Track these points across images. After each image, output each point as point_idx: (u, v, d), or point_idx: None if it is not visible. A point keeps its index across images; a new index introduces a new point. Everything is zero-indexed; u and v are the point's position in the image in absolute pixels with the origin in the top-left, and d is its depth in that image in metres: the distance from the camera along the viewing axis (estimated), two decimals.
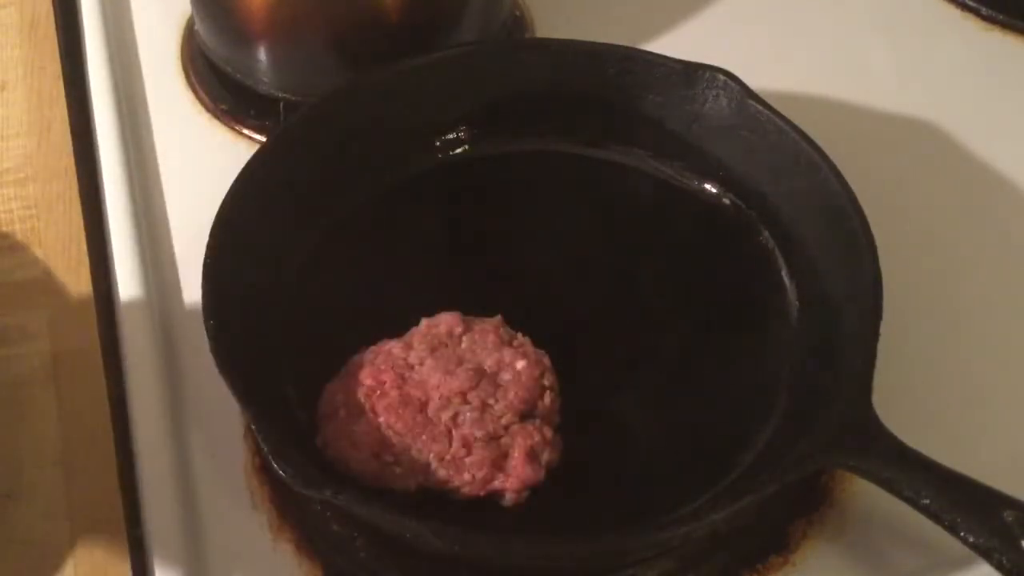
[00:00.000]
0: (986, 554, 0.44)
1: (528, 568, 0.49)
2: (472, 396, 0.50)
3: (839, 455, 0.47)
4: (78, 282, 0.60)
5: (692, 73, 0.62)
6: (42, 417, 0.55)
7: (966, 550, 0.45)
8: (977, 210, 0.65)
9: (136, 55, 0.73)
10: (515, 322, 0.54)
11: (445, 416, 0.50)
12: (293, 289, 0.57)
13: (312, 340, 0.56)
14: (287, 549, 0.51)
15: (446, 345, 0.53)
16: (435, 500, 0.50)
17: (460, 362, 0.52)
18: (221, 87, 0.70)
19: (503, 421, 0.50)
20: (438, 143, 0.63)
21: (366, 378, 0.51)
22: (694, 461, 0.52)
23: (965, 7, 0.77)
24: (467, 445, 0.49)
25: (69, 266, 0.61)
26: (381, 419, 0.50)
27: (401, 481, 0.50)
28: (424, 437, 0.50)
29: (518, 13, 0.75)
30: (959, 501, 0.45)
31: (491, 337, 0.53)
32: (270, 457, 0.50)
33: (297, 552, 0.51)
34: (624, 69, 0.63)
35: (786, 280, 0.59)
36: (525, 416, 0.51)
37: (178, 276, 0.61)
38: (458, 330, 0.53)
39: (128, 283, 0.59)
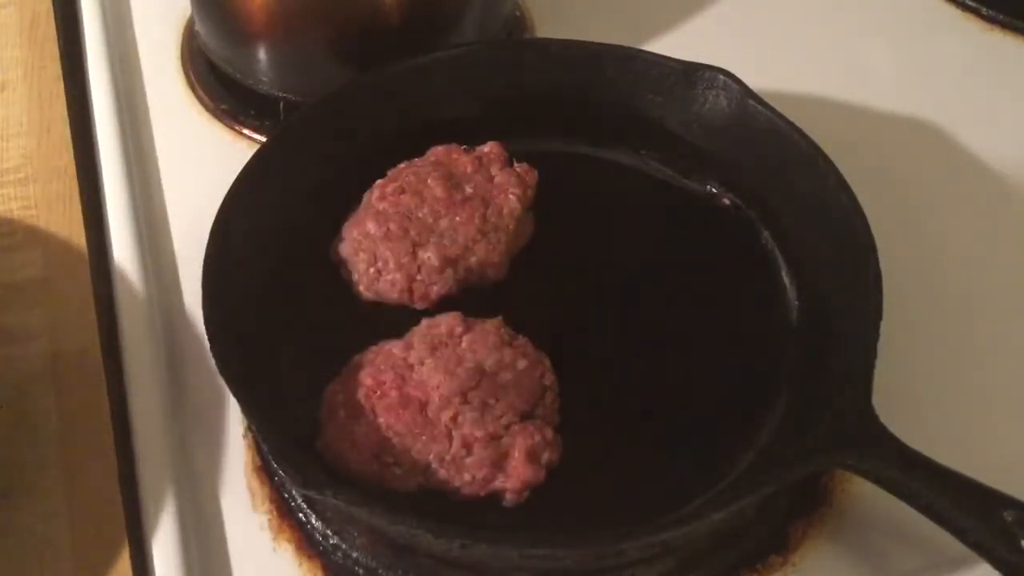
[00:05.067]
0: (986, 554, 0.44)
1: (528, 568, 0.49)
2: (472, 396, 0.50)
3: (839, 455, 0.47)
4: (78, 282, 0.60)
5: (692, 73, 0.62)
6: (42, 417, 0.55)
7: (966, 550, 0.45)
8: (977, 210, 0.65)
9: (136, 55, 0.73)
10: (515, 323, 0.54)
11: (445, 416, 0.50)
12: (293, 289, 0.57)
13: (312, 340, 0.56)
14: (287, 549, 0.51)
15: (446, 345, 0.53)
16: (435, 500, 0.50)
17: (460, 362, 0.51)
18: (221, 87, 0.70)
19: (503, 421, 0.50)
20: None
21: (366, 378, 0.51)
22: (694, 461, 0.52)
23: (965, 7, 0.77)
24: (467, 445, 0.49)
25: (69, 266, 0.61)
26: (381, 420, 0.50)
27: (401, 482, 0.50)
28: (424, 438, 0.50)
29: (518, 13, 0.75)
30: (959, 501, 0.45)
31: (491, 337, 0.53)
32: (270, 457, 0.51)
33: (297, 552, 0.51)
34: (624, 69, 0.63)
35: (786, 280, 0.59)
36: (525, 416, 0.51)
37: (178, 276, 0.61)
38: (458, 330, 0.53)
39: (128, 283, 0.59)
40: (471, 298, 0.57)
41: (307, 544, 0.51)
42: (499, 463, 0.50)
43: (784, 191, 0.59)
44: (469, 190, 0.59)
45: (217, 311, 0.51)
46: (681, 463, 0.52)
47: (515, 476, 0.49)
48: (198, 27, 0.71)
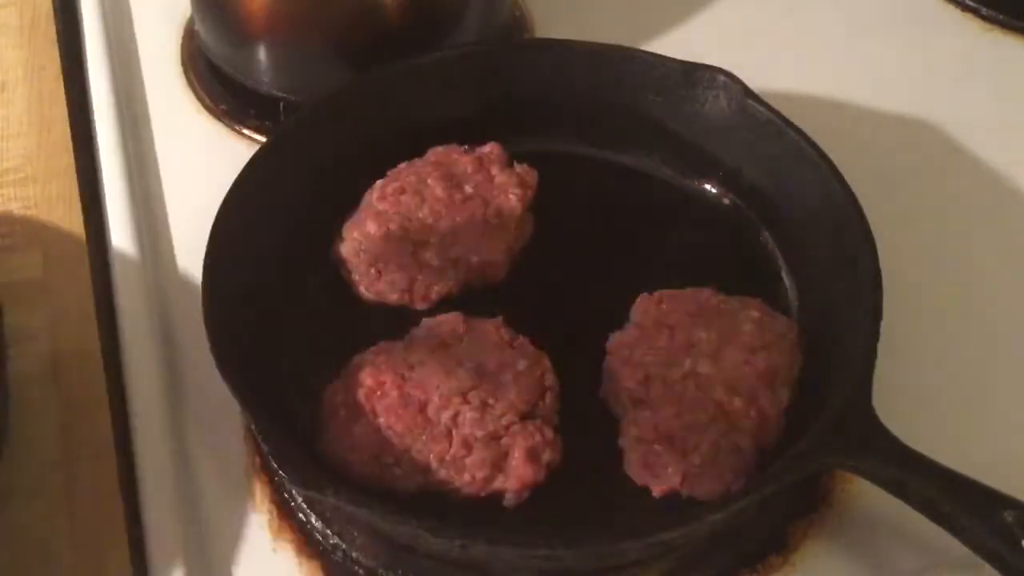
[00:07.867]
0: (986, 554, 0.44)
1: (528, 568, 0.49)
2: (472, 396, 0.50)
3: (839, 455, 0.47)
4: (78, 282, 0.60)
5: (692, 73, 0.62)
6: (42, 417, 0.55)
7: (966, 550, 0.45)
8: (977, 210, 0.65)
9: (136, 55, 0.73)
10: (515, 323, 0.54)
11: (445, 416, 0.50)
12: (293, 289, 0.57)
13: (312, 340, 0.56)
14: (287, 549, 0.51)
15: (447, 345, 0.53)
16: (435, 500, 0.50)
17: (460, 362, 0.51)
18: (221, 87, 0.70)
19: (503, 421, 0.50)
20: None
21: (366, 378, 0.51)
22: None
23: (965, 7, 0.77)
24: (467, 445, 0.49)
25: (69, 265, 0.61)
26: (381, 420, 0.50)
27: (401, 482, 0.50)
28: (424, 438, 0.50)
29: (518, 13, 0.75)
30: (959, 501, 0.45)
31: (491, 338, 0.53)
32: (270, 457, 0.51)
33: (297, 552, 0.51)
34: (624, 69, 0.63)
35: (786, 280, 0.59)
36: (525, 416, 0.51)
37: (178, 276, 0.61)
38: (459, 331, 0.53)
39: (128, 283, 0.59)
40: (471, 298, 0.57)
41: (307, 544, 0.51)
42: (499, 463, 0.50)
43: (784, 191, 0.59)
44: (469, 190, 0.59)
45: (217, 311, 0.51)
46: None
47: (515, 476, 0.49)
48: (198, 27, 0.71)
